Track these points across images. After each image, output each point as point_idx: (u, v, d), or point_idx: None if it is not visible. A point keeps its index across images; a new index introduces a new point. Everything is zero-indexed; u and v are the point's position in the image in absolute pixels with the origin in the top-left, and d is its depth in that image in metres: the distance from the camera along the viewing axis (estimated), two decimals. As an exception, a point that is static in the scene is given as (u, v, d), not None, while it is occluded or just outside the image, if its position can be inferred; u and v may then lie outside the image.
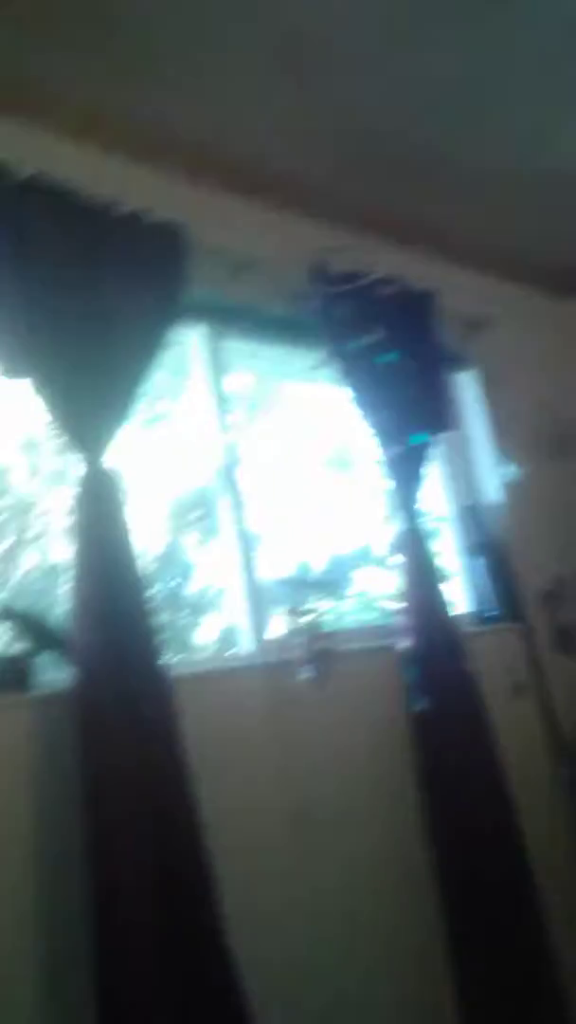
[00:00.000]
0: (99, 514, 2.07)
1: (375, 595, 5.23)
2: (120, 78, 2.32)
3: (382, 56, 2.41)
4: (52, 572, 5.02)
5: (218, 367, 2.75)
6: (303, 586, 2.61)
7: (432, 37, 2.36)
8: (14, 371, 2.10)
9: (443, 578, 2.85)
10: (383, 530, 3.08)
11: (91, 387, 2.14)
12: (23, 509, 5.09)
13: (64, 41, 2.17)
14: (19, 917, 1.83)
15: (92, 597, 2.01)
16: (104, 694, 1.95)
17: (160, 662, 2.06)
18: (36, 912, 1.86)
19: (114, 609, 2.01)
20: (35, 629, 2.11)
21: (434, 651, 2.58)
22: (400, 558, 2.72)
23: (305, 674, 2.41)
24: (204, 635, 4.93)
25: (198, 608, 4.99)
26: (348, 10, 2.23)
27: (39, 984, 1.83)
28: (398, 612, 2.70)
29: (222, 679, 2.41)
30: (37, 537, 5.22)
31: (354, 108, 2.60)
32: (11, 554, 4.94)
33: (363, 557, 5.15)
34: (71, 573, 2.06)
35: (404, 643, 2.60)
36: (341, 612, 3.76)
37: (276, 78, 2.43)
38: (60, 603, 4.52)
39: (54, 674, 2.11)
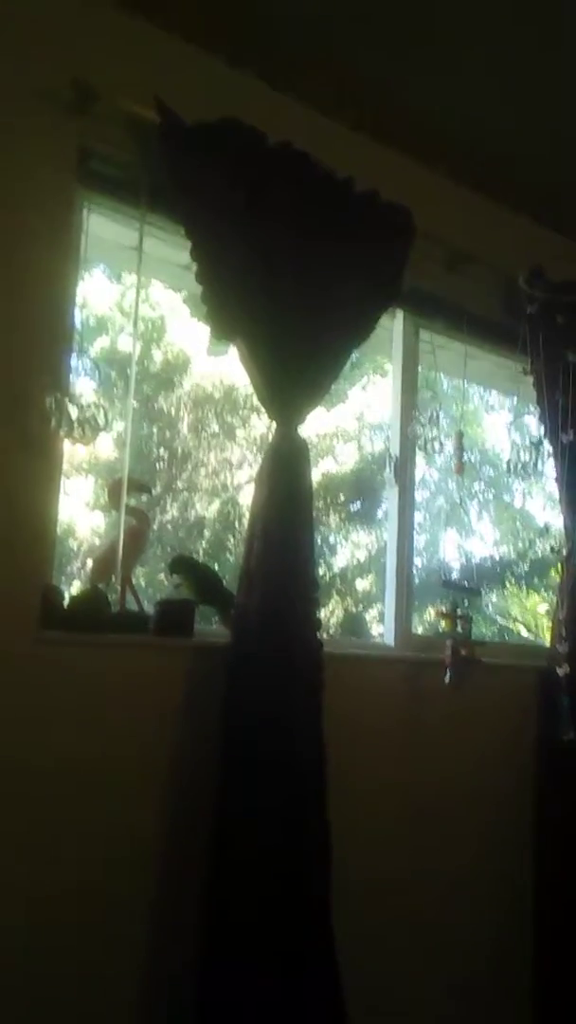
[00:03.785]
0: (285, 482, 2.11)
1: (509, 610, 5.16)
2: (373, 58, 2.31)
3: None
4: (197, 524, 5.18)
5: (412, 358, 2.74)
6: (452, 588, 2.58)
7: None
8: (225, 332, 2.16)
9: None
10: (538, 546, 3.00)
11: (296, 358, 2.17)
12: (180, 461, 5.27)
13: (316, 10, 2.16)
14: (141, 837, 1.94)
15: (263, 560, 2.06)
16: (258, 654, 2.01)
17: (315, 635, 2.10)
18: (159, 836, 1.96)
19: (282, 576, 2.06)
20: (203, 582, 2.20)
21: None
22: (564, 584, 2.66)
23: (447, 678, 2.40)
24: (329, 613, 5.00)
25: (327, 588, 5.06)
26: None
27: (153, 907, 1.94)
28: (555, 639, 2.65)
29: (365, 664, 2.44)
30: (187, 489, 5.41)
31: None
32: (157, 501, 5.14)
33: (509, 569, 5.07)
34: (247, 532, 2.12)
35: (560, 670, 2.55)
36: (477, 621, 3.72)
37: (531, 77, 2.37)
38: (199, 555, 4.65)
39: (214, 626, 2.19)
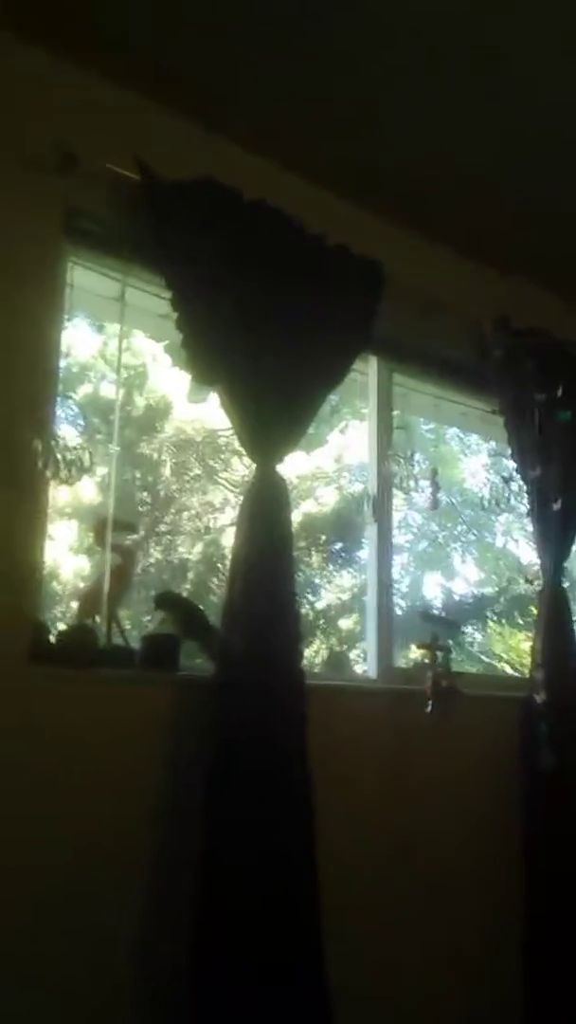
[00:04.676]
0: (266, 518, 2.19)
1: (489, 645, 5.21)
2: (338, 120, 2.45)
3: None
4: (180, 567, 5.22)
5: (387, 401, 2.85)
6: (433, 622, 2.65)
7: None
8: (205, 379, 2.26)
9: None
10: (518, 583, 3.08)
11: (274, 402, 2.27)
12: (163, 505, 5.33)
13: (286, 77, 2.29)
14: (130, 865, 1.96)
15: (246, 595, 2.13)
16: (243, 688, 2.06)
17: (299, 667, 2.15)
18: (146, 867, 1.98)
19: (265, 610, 2.12)
20: (187, 617, 2.25)
21: (568, 710, 2.58)
22: (540, 613, 2.73)
23: (428, 708, 2.45)
24: (313, 653, 5.03)
25: (311, 628, 5.10)
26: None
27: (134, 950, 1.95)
28: (533, 667, 2.71)
29: (348, 697, 2.49)
30: (170, 532, 5.45)
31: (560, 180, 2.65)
32: (140, 544, 5.17)
33: (488, 605, 5.15)
34: (230, 568, 2.18)
35: (538, 697, 2.61)
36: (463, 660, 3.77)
37: (484, 128, 2.50)
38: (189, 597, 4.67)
39: (199, 660, 2.24)
